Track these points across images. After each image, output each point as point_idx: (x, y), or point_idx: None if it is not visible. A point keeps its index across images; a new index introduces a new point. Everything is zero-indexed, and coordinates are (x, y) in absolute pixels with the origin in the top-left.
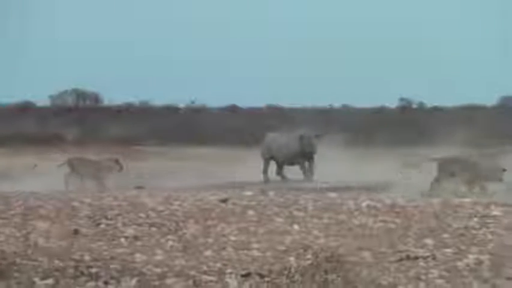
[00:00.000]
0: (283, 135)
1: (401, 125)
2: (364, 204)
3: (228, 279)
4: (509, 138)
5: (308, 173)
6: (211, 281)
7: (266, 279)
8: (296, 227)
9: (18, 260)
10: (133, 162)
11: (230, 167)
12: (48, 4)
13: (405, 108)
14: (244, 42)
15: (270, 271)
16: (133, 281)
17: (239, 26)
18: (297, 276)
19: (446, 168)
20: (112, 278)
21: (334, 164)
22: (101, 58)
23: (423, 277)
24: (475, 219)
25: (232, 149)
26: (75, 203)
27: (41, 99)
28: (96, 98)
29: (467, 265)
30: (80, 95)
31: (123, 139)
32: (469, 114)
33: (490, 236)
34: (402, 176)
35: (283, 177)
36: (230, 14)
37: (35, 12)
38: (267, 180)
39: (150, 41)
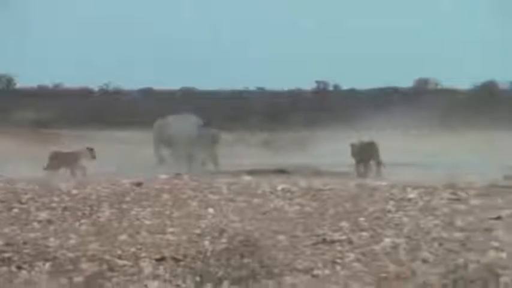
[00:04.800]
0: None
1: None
2: (279, 187)
3: (142, 264)
4: None
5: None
6: (125, 265)
7: (181, 263)
8: (211, 210)
9: None
10: (49, 147)
11: (145, 149)
12: None
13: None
14: (157, 24)
15: (185, 255)
16: (47, 266)
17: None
18: (212, 260)
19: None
20: (25, 262)
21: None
22: (14, 40)
23: (339, 261)
24: (392, 202)
25: (147, 132)
26: None
27: None
28: (8, 81)
29: (384, 248)
30: None
31: (37, 123)
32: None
33: (406, 219)
34: None
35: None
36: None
37: None
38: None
39: (65, 24)
